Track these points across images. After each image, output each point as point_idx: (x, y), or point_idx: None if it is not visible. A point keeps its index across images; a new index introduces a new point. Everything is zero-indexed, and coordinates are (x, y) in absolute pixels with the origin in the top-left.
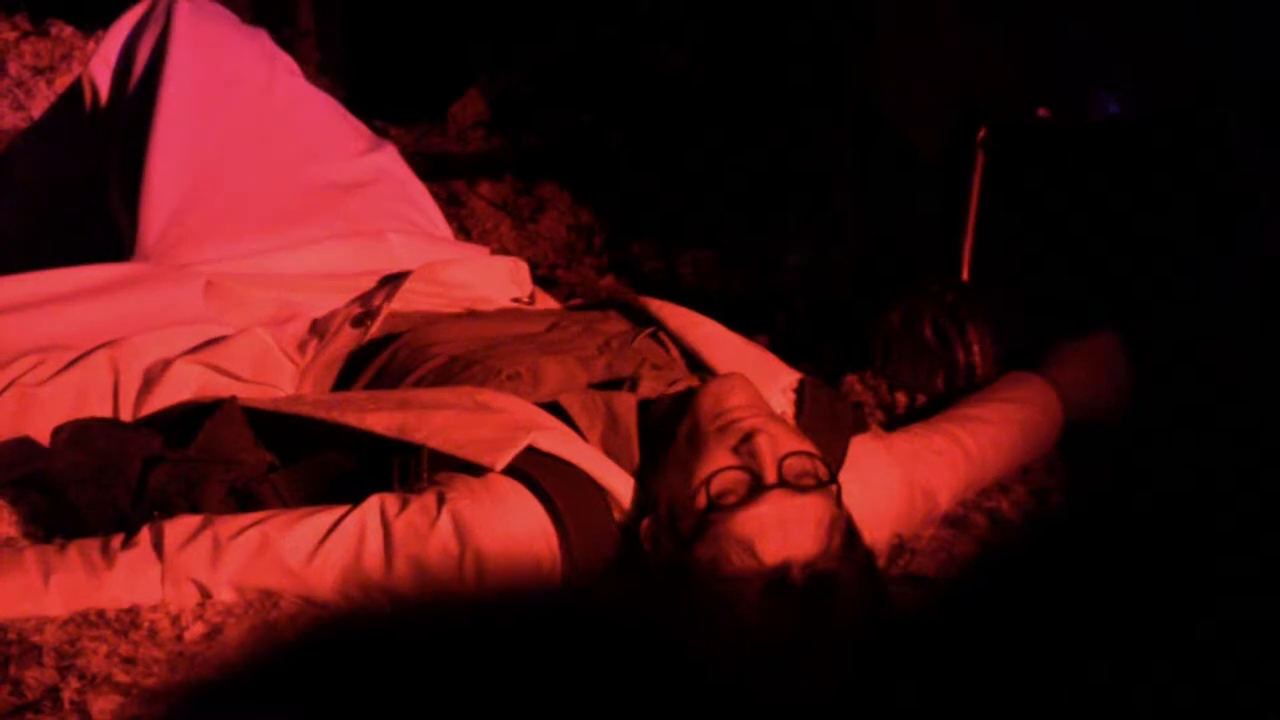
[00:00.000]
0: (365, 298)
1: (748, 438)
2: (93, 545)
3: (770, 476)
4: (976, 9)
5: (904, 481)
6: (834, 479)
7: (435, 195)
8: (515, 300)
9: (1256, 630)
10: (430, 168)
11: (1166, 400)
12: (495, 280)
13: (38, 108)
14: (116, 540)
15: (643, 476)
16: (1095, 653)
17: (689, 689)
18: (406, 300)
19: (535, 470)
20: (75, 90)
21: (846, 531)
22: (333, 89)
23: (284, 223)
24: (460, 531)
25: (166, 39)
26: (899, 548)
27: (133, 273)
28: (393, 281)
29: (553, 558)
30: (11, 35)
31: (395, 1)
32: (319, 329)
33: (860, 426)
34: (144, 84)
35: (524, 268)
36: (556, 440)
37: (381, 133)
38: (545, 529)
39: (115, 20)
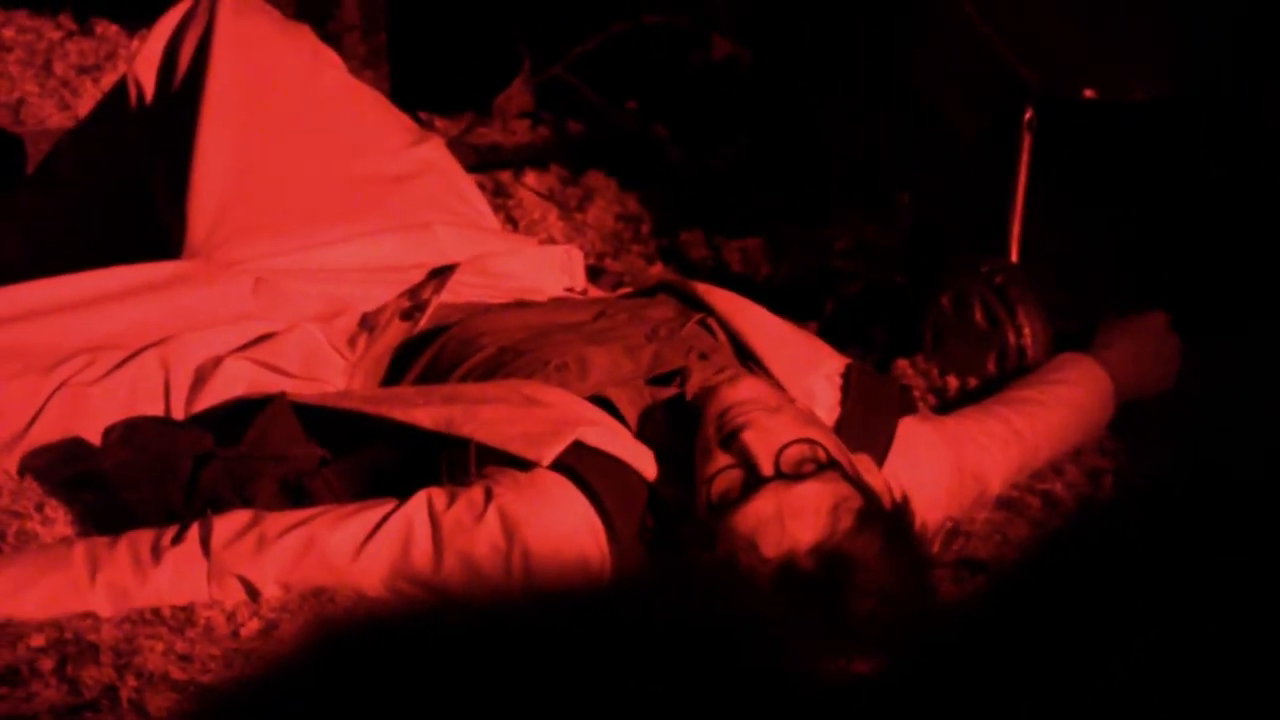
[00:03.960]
0: (414, 290)
1: (736, 434)
2: (144, 540)
3: (766, 470)
4: None
5: (952, 463)
6: (833, 461)
7: (482, 186)
8: (567, 290)
9: None
10: (477, 159)
11: (1221, 380)
12: (546, 270)
13: (84, 107)
14: (168, 535)
15: (684, 472)
16: (1150, 638)
17: (727, 682)
18: (455, 291)
19: (582, 465)
20: (119, 91)
21: (861, 511)
22: (377, 82)
23: (331, 217)
24: (508, 527)
25: (210, 36)
26: (953, 532)
27: (181, 271)
28: (441, 274)
29: (600, 552)
30: (56, 35)
31: None
32: (368, 323)
33: (909, 408)
34: (188, 82)
35: (577, 256)
36: (603, 435)
37: (427, 125)
38: (592, 524)
39: (158, 19)
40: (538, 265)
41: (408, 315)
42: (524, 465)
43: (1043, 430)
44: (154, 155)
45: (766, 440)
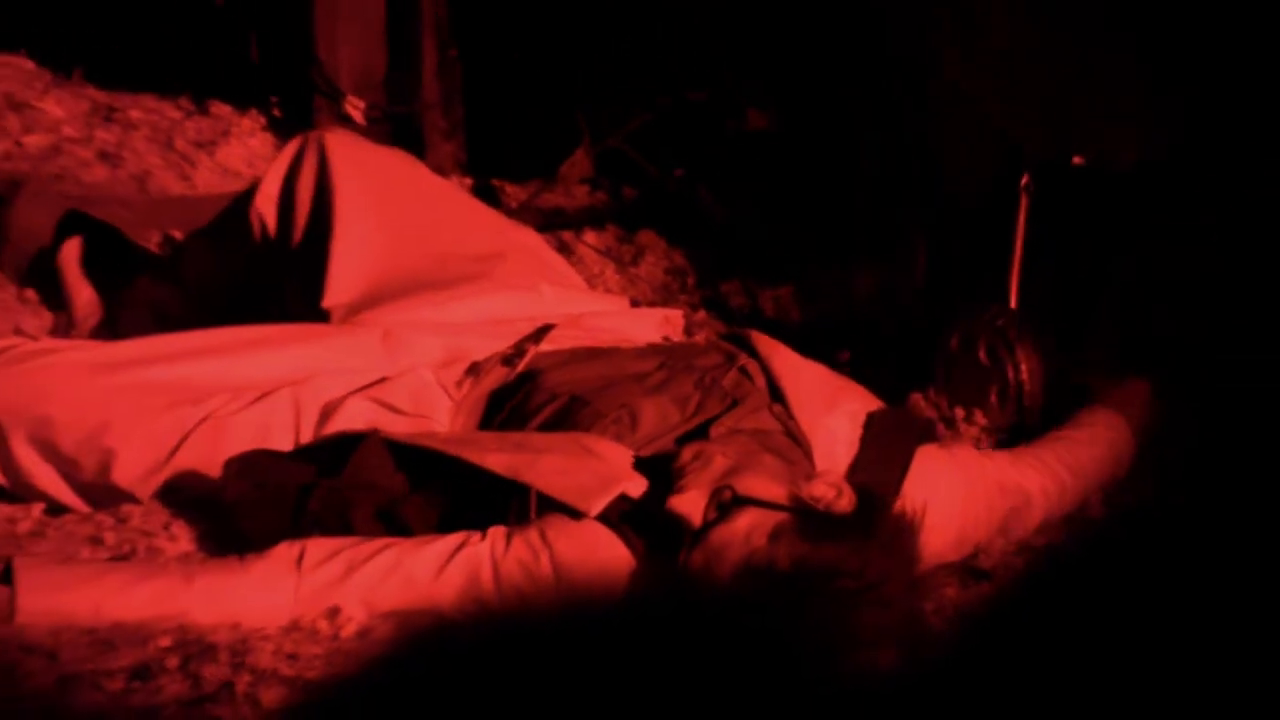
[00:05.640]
0: (519, 342)
1: (672, 496)
2: (232, 558)
3: (696, 523)
4: (1018, 71)
5: (966, 482)
6: (736, 499)
7: (548, 243)
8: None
9: None
10: (543, 220)
11: (1194, 418)
12: (640, 326)
13: (200, 178)
14: (251, 555)
15: None
16: (1141, 637)
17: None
18: (554, 341)
19: (623, 516)
20: (241, 216)
21: (776, 527)
22: (455, 153)
23: (449, 285)
24: (558, 570)
25: (326, 165)
26: (974, 553)
27: (319, 329)
28: (544, 329)
29: (635, 584)
30: (177, 115)
31: (510, 75)
32: (475, 369)
33: (927, 438)
34: (316, 203)
35: (676, 318)
36: (642, 488)
37: (499, 190)
38: (631, 566)
39: (272, 163)
40: (632, 323)
41: (508, 361)
42: (576, 511)
43: (1075, 463)
44: (286, 266)
45: (691, 499)
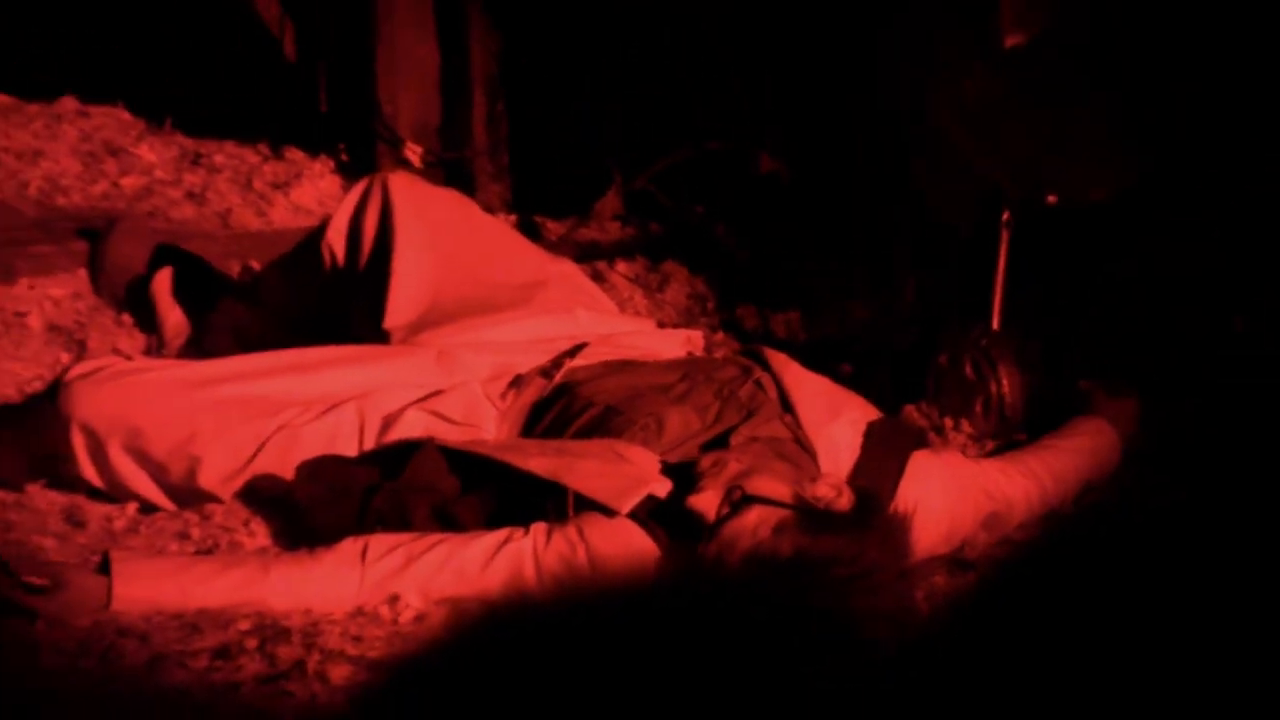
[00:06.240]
0: (557, 357)
1: (693, 496)
2: (303, 550)
3: (710, 519)
4: (997, 121)
5: (955, 485)
6: (746, 498)
7: (583, 272)
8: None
9: None
10: (579, 251)
11: (1166, 429)
12: (665, 344)
13: (276, 215)
14: (321, 549)
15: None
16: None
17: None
18: (588, 356)
19: (649, 513)
20: (313, 248)
21: (779, 522)
22: (502, 194)
23: (497, 310)
24: (593, 562)
25: (389, 204)
26: (960, 547)
27: (381, 349)
28: (579, 347)
29: (660, 574)
30: (256, 159)
31: (549, 123)
32: (518, 381)
33: (920, 444)
34: (379, 237)
35: (697, 338)
36: (667, 489)
37: (541, 226)
38: (657, 558)
39: (342, 201)
40: (659, 342)
41: (545, 373)
42: (609, 510)
43: (1058, 469)
44: (352, 292)
45: (708, 498)
